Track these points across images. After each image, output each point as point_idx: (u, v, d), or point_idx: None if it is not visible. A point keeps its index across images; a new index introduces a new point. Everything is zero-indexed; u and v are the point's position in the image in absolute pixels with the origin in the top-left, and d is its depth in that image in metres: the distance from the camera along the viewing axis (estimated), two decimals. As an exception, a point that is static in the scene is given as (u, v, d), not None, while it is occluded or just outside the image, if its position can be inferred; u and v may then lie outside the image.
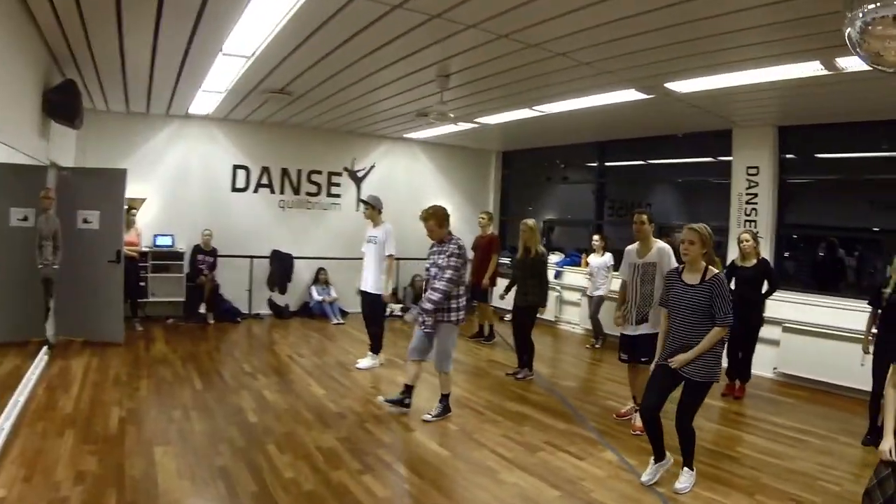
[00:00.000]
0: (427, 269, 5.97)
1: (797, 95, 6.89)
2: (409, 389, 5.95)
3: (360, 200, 11.09)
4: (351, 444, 5.06)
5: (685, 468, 4.49)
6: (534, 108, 8.45)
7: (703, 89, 6.79)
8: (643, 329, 5.57)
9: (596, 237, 9.98)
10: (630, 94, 7.22)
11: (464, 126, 10.17)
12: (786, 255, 9.25)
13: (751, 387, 7.30)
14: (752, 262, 6.96)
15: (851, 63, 5.47)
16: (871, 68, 3.36)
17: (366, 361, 7.66)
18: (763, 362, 7.80)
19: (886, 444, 3.06)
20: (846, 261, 9.22)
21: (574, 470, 4.76)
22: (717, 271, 4.42)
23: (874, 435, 5.53)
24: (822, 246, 9.37)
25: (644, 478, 4.56)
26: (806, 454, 5.38)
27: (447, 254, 5.71)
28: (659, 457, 4.58)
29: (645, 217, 5.73)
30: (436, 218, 5.80)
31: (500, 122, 9.69)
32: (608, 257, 9.72)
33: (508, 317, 10.59)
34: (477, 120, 9.61)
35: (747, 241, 7.00)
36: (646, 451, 4.77)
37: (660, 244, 5.70)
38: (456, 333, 5.85)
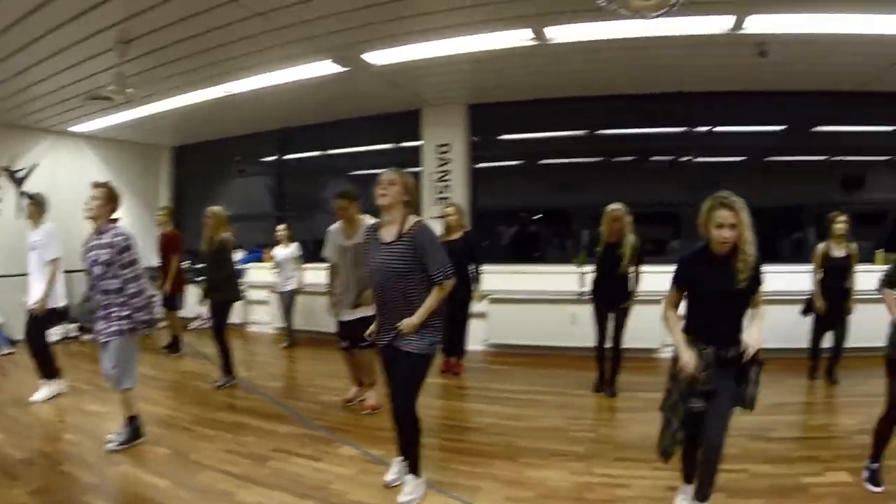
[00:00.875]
0: (90, 267, 4.68)
1: (492, 70, 7.09)
2: (131, 419, 4.84)
3: (22, 194, 9.05)
4: (50, 496, 3.88)
5: (409, 475, 3.80)
6: (220, 85, 7.60)
7: (401, 60, 6.62)
8: (360, 313, 5.21)
9: (280, 227, 9.21)
10: (326, 67, 6.81)
11: (137, 114, 8.90)
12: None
13: (465, 361, 7.29)
14: (457, 235, 6.87)
15: (559, 33, 5.71)
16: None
17: (43, 392, 6.15)
18: (473, 336, 7.79)
19: (686, 356, 3.18)
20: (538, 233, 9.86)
21: (316, 473, 4.20)
22: (418, 219, 3.70)
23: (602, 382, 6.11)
24: (516, 222, 9.90)
25: (388, 477, 3.99)
26: (547, 411, 5.51)
27: (113, 247, 4.57)
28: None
29: (345, 201, 5.31)
30: (105, 198, 4.66)
31: (180, 107, 8.62)
32: (294, 248, 9.08)
33: (196, 324, 9.91)
34: (157, 103, 8.42)
35: (452, 213, 6.91)
36: (384, 438, 4.44)
37: (367, 221, 5.23)
38: (134, 343, 4.81)
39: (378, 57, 6.51)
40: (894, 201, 8.57)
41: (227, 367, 6.74)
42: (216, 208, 6.80)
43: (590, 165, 9.28)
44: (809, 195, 8.60)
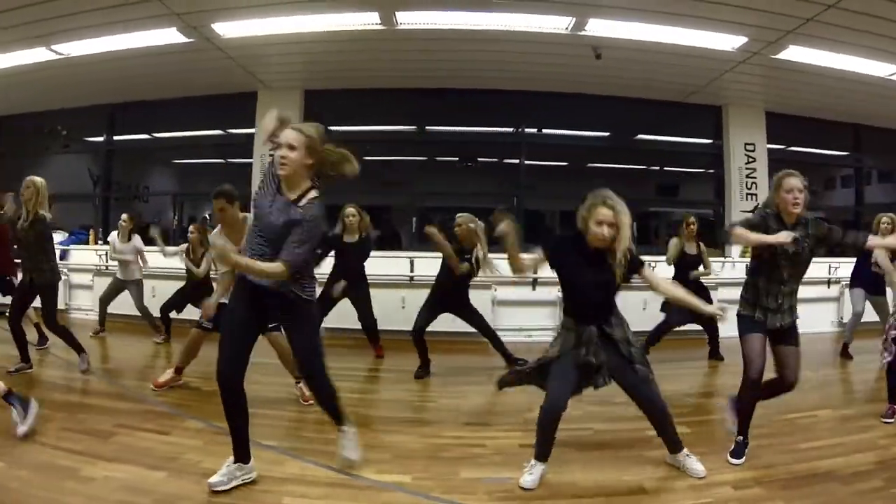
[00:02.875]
0: None
1: (333, 52, 7.16)
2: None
3: None
4: None
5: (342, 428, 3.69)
6: (52, 46, 6.94)
7: (250, 35, 6.49)
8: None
9: (124, 216, 8.10)
10: (170, 36, 6.49)
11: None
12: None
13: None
14: (355, 237, 6.93)
15: (410, 18, 5.88)
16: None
17: None
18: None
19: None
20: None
21: (166, 446, 4.07)
22: (316, 194, 3.27)
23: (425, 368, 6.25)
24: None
25: (213, 479, 3.39)
26: (388, 386, 6.03)
27: None
28: (241, 455, 3.49)
29: (222, 201, 4.98)
30: None
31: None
32: (137, 240, 8.03)
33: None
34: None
35: (353, 214, 6.90)
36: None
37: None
38: None
39: (227, 28, 6.34)
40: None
41: (78, 348, 6.14)
42: (37, 179, 5.77)
43: (416, 164, 9.58)
44: (627, 202, 9.41)
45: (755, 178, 9.79)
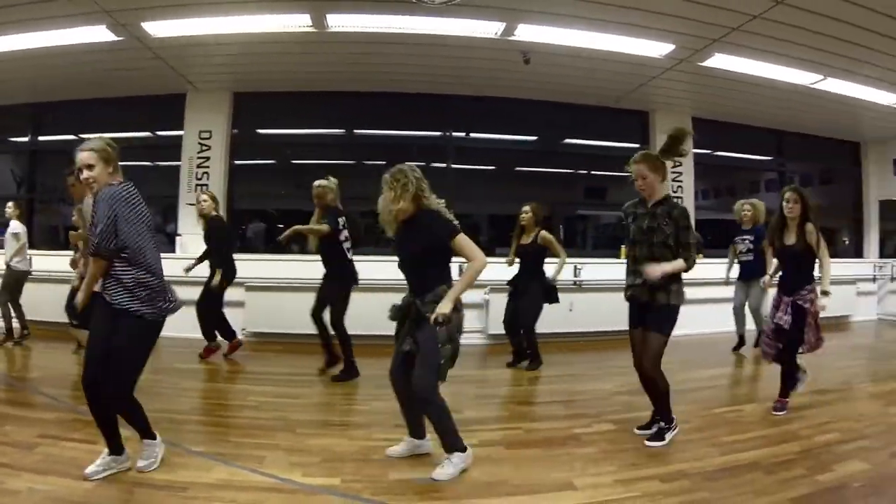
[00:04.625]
0: None
1: (263, 54, 7.11)
2: None
3: None
4: None
5: (146, 441, 3.66)
6: None
7: (180, 34, 6.41)
8: None
9: (10, 204, 7.81)
10: (99, 34, 6.34)
11: None
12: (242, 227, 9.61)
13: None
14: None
15: (340, 21, 5.87)
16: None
17: None
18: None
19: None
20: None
21: (93, 456, 3.83)
22: (117, 182, 3.47)
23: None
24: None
25: (89, 469, 3.51)
26: (317, 389, 5.80)
27: None
28: (115, 448, 3.59)
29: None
30: None
31: None
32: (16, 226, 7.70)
33: None
34: None
35: (205, 200, 6.86)
36: (155, 418, 4.22)
37: None
38: None
39: (157, 27, 6.25)
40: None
41: None
42: None
43: (344, 167, 9.57)
44: (556, 204, 9.62)
45: (680, 181, 10.08)
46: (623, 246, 4.34)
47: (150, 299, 3.44)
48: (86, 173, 3.40)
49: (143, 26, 6.19)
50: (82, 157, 3.43)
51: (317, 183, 6.10)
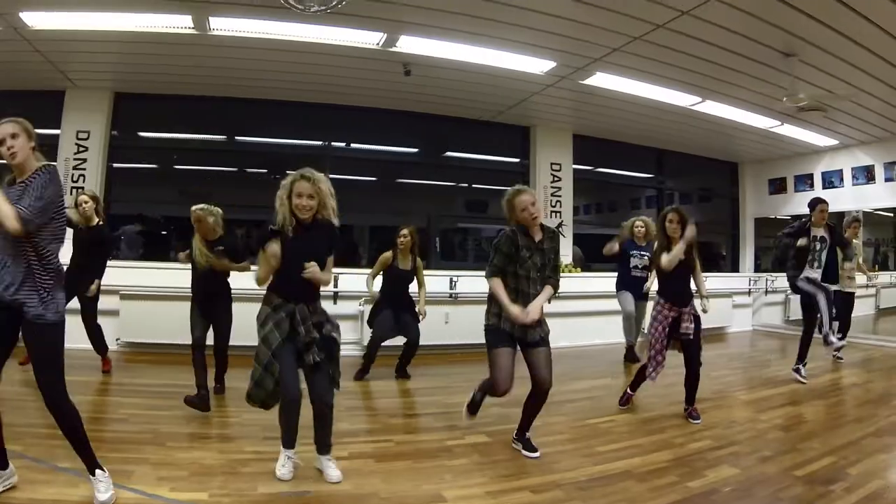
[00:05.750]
0: None
1: (145, 54, 7.03)
2: None
3: None
4: None
5: (95, 472, 3.48)
6: None
7: (59, 28, 6.24)
8: None
9: None
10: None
11: None
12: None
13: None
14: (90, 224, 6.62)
15: (223, 24, 5.82)
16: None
17: None
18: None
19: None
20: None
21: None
22: (45, 163, 3.37)
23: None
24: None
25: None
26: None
27: None
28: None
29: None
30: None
31: None
32: None
33: None
34: None
35: (86, 202, 6.61)
36: (29, 434, 4.24)
37: None
38: None
39: (36, 18, 6.05)
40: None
41: None
42: None
43: (226, 174, 9.49)
44: (437, 216, 9.92)
45: (560, 196, 10.53)
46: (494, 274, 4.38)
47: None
48: (10, 142, 3.23)
49: (22, 16, 5.97)
50: (6, 128, 3.25)
51: (195, 207, 5.92)
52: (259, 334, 3.96)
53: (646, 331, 6.22)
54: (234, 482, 3.85)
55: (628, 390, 5.82)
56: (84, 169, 8.57)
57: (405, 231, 6.97)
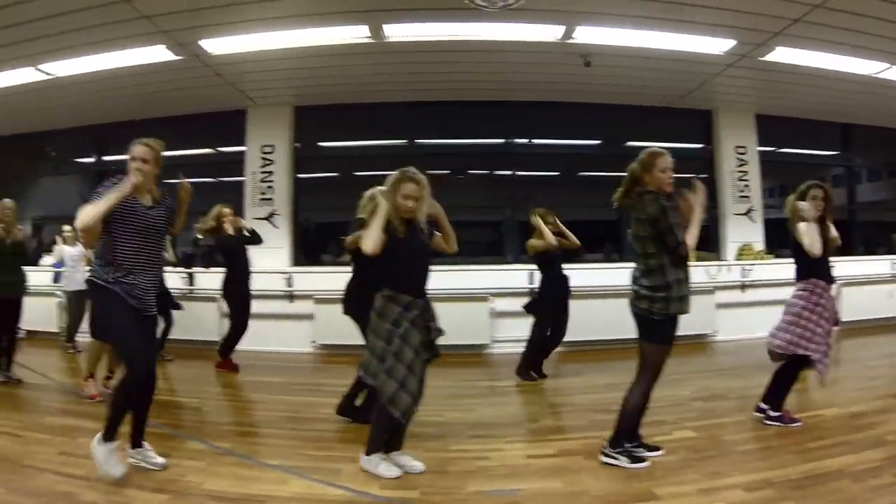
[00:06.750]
0: None
1: (322, 68, 7.17)
2: None
3: None
4: None
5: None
6: (39, 67, 6.84)
7: (238, 51, 6.50)
8: None
9: (67, 227, 8.07)
10: (159, 54, 6.46)
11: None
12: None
13: (295, 361, 7.15)
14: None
15: (397, 31, 5.84)
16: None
17: None
18: (298, 338, 7.81)
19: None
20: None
21: (166, 469, 3.93)
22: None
23: None
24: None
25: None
26: None
27: None
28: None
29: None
30: None
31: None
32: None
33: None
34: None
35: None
36: (226, 431, 4.38)
37: None
38: None
39: (215, 45, 6.32)
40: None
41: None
42: (8, 201, 6.23)
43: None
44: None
45: (747, 180, 9.74)
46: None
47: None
48: (140, 165, 3.54)
49: (202, 44, 6.27)
50: (141, 151, 3.59)
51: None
52: (387, 333, 3.76)
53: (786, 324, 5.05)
54: (441, 481, 3.76)
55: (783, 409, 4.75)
56: (272, 181, 8.95)
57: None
